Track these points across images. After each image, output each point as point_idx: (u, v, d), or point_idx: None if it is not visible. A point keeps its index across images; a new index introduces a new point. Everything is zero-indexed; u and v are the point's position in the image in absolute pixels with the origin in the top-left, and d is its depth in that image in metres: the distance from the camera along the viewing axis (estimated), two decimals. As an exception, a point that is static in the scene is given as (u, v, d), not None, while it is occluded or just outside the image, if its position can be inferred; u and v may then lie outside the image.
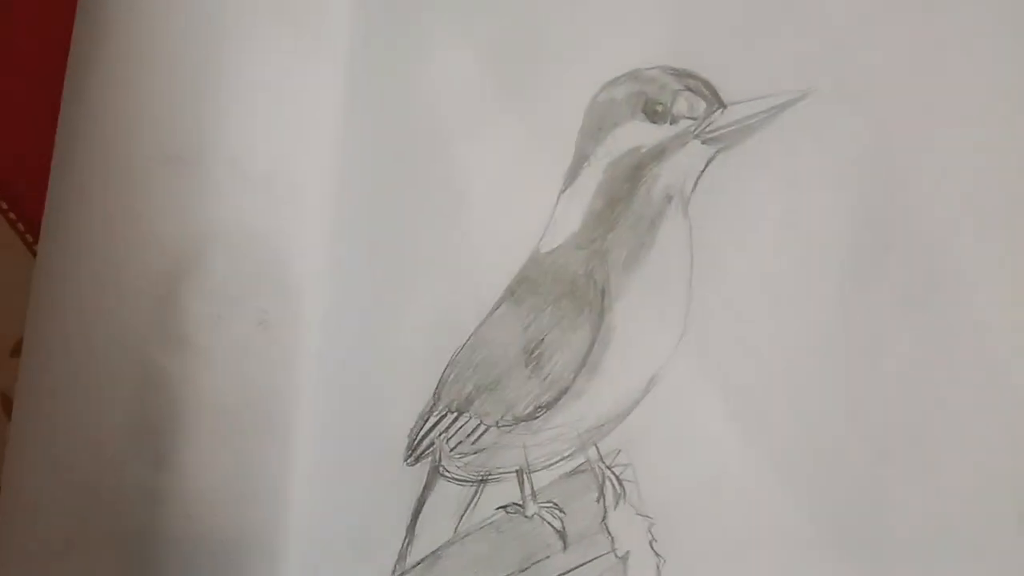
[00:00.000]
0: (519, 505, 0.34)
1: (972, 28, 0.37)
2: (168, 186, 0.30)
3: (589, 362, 0.34)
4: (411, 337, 0.34)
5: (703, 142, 0.35)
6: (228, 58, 0.32)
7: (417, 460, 0.34)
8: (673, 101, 0.35)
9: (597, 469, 0.34)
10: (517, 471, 0.34)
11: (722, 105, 0.35)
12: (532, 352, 0.34)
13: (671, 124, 0.35)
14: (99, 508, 0.29)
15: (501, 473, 0.34)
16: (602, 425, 0.34)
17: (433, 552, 0.33)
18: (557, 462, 0.34)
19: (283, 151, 0.32)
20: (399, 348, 0.34)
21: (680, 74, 0.36)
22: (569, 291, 0.34)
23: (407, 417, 0.34)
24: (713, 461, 0.34)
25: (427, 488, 0.34)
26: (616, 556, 0.33)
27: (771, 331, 0.35)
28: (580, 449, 0.34)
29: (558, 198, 0.35)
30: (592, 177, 0.35)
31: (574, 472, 0.34)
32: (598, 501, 0.34)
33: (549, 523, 0.33)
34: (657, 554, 0.33)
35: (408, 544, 0.33)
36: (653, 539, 0.33)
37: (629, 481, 0.34)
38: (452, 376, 0.34)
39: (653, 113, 0.35)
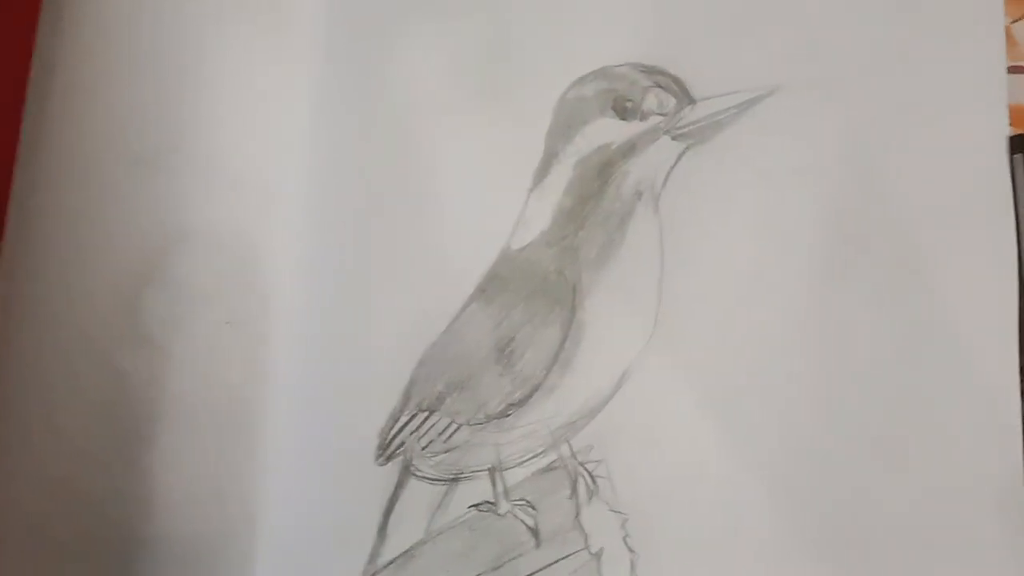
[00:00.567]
0: (491, 503, 0.34)
1: (941, 22, 0.37)
2: (135, 187, 0.30)
3: (561, 359, 0.34)
4: (382, 336, 0.34)
5: (673, 138, 0.35)
6: (196, 60, 0.32)
7: (388, 459, 0.34)
8: (643, 98, 0.35)
9: (570, 466, 0.34)
10: (489, 469, 0.34)
11: (692, 101, 0.35)
12: (503, 349, 0.34)
13: (641, 121, 0.35)
14: (69, 509, 0.29)
15: (473, 471, 0.34)
16: (574, 422, 0.34)
17: (405, 551, 0.33)
18: (529, 459, 0.34)
19: (252, 152, 0.32)
20: (370, 347, 0.34)
21: (650, 71, 0.36)
22: (540, 288, 0.34)
23: (378, 416, 0.34)
24: (686, 456, 0.34)
25: (399, 487, 0.33)
26: (590, 553, 0.33)
27: (743, 326, 0.35)
28: (552, 446, 0.34)
29: (528, 196, 0.35)
30: (562, 175, 0.35)
31: (547, 469, 0.34)
32: (571, 498, 0.34)
33: (522, 520, 0.33)
34: (631, 550, 0.33)
35: (380, 544, 0.33)
36: (627, 535, 0.33)
37: (602, 477, 0.34)
38: (423, 375, 0.34)
39: (623, 110, 0.35)
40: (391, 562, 0.33)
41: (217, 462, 0.30)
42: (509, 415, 0.34)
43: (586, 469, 0.34)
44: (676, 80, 0.36)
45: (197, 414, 0.29)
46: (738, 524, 0.34)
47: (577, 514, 0.34)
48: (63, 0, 0.33)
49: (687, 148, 0.35)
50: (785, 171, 0.36)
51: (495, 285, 0.34)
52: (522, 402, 0.34)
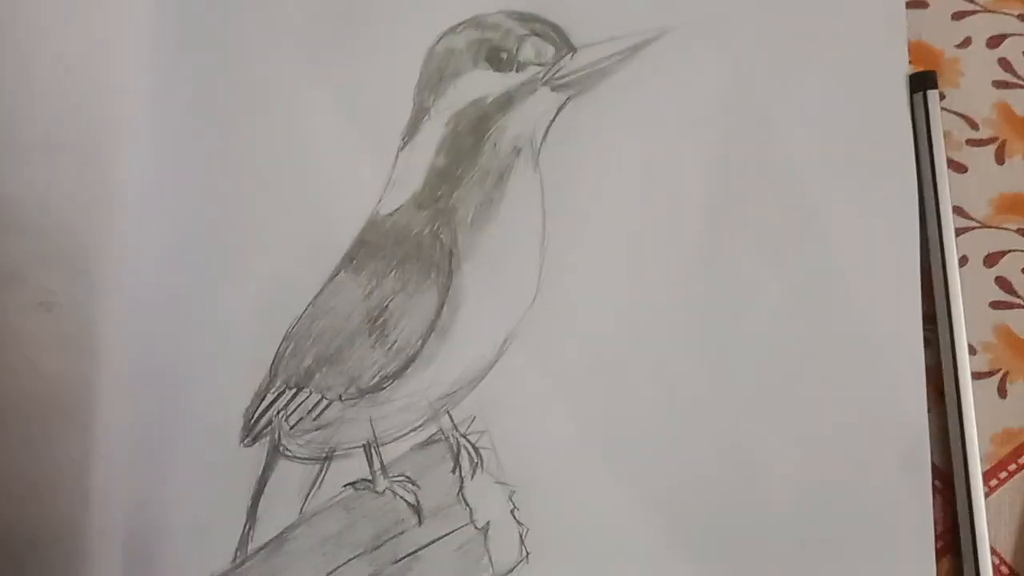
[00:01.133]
0: (368, 481, 0.33)
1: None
2: None
3: (438, 327, 0.33)
4: (239, 311, 0.33)
5: (552, 89, 0.34)
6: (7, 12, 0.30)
7: (255, 440, 0.33)
8: (518, 47, 0.34)
9: (451, 438, 0.33)
10: (364, 445, 0.33)
11: (572, 49, 0.34)
12: (376, 320, 0.33)
13: (517, 72, 0.34)
14: None
15: (347, 448, 0.33)
16: (454, 392, 0.33)
17: (278, 535, 0.32)
18: (408, 433, 0.33)
19: (70, 118, 0.30)
20: (227, 324, 0.33)
21: (525, 18, 0.35)
22: (414, 254, 0.33)
23: (241, 396, 0.33)
24: (573, 424, 0.33)
25: (267, 469, 0.33)
26: (476, 528, 0.33)
27: (630, 286, 0.34)
28: (432, 418, 0.33)
29: (397, 155, 0.34)
30: (433, 132, 0.34)
31: (427, 442, 0.33)
32: (454, 471, 0.33)
33: (402, 497, 0.33)
34: (519, 523, 0.33)
35: (250, 529, 0.32)
36: (515, 508, 0.33)
37: (486, 448, 0.33)
38: (289, 350, 0.33)
39: (497, 61, 0.34)
40: (263, 547, 0.32)
41: (43, 453, 0.29)
42: (384, 388, 0.33)
43: (469, 441, 0.33)
44: (554, 27, 0.34)
45: (12, 403, 0.28)
46: (628, 490, 0.33)
47: (461, 488, 0.33)
48: None
49: (568, 99, 0.34)
50: (672, 120, 0.35)
51: (364, 252, 0.33)
52: (397, 374, 0.33)
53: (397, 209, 0.33)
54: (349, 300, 0.33)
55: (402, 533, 0.33)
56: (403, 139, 0.34)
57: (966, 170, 0.36)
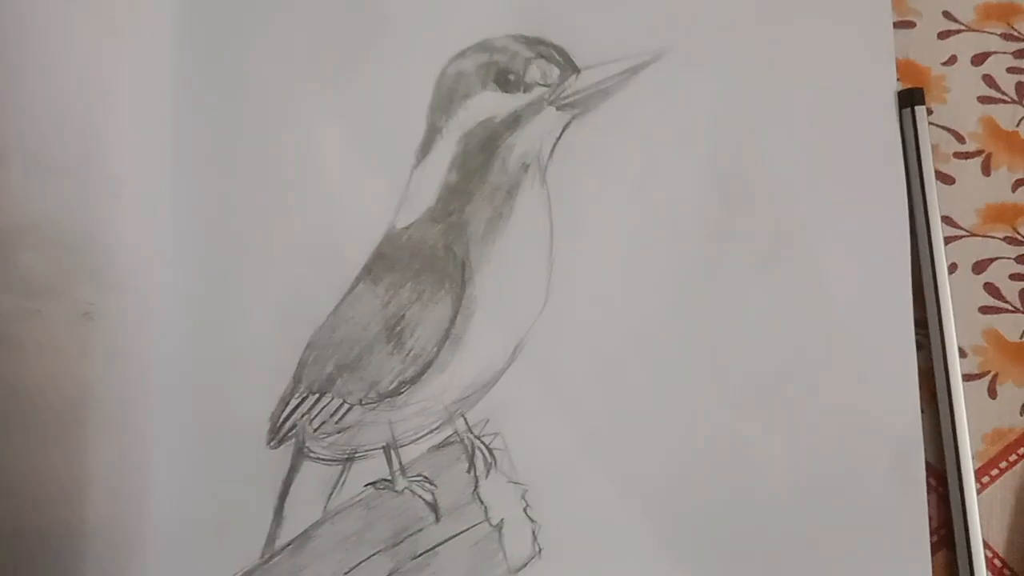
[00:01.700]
0: (388, 481, 0.34)
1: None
2: None
3: (452, 335, 0.34)
4: (264, 322, 0.34)
5: (558, 108, 0.35)
6: (28, 52, 0.31)
7: (280, 443, 0.34)
8: (525, 69, 0.35)
9: (466, 440, 0.34)
10: (384, 447, 0.34)
11: (576, 70, 0.36)
12: (393, 328, 0.34)
13: (524, 92, 0.35)
14: None
15: (368, 450, 0.34)
16: (468, 396, 0.34)
17: (303, 533, 0.33)
18: (425, 435, 0.34)
19: (97, 143, 0.32)
20: (253, 334, 0.34)
21: (531, 42, 0.36)
22: (428, 265, 0.34)
23: (267, 401, 0.34)
24: (581, 425, 0.34)
25: (292, 470, 0.34)
26: (490, 525, 0.34)
27: (633, 293, 0.35)
28: (447, 421, 0.34)
29: (411, 173, 0.35)
30: (446, 150, 0.35)
31: (443, 444, 0.34)
32: (469, 472, 0.34)
33: (420, 496, 0.34)
34: (532, 520, 0.34)
35: (276, 527, 0.33)
36: (527, 505, 0.34)
37: (499, 449, 0.34)
38: (312, 357, 0.34)
39: (505, 82, 0.35)
40: (288, 544, 0.33)
41: (81, 456, 0.30)
42: (402, 393, 0.34)
43: (483, 442, 0.34)
44: (559, 50, 0.36)
45: (53, 409, 0.30)
46: (631, 489, 0.34)
47: (476, 487, 0.34)
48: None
49: (572, 118, 0.36)
50: (670, 136, 0.36)
51: (381, 264, 0.35)
52: (414, 379, 0.34)
53: (412, 223, 0.35)
54: (368, 310, 0.34)
55: (420, 530, 0.34)
56: (417, 157, 0.35)
57: (954, 181, 0.37)
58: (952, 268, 0.36)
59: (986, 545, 0.34)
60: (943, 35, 0.38)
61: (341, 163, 0.35)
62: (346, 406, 0.34)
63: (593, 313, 0.35)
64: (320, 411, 0.34)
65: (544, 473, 0.34)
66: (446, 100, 0.35)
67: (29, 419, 0.29)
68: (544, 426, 0.34)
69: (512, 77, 0.35)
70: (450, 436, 0.34)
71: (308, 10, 0.36)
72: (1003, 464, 0.35)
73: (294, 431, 0.34)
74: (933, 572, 0.34)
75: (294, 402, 0.34)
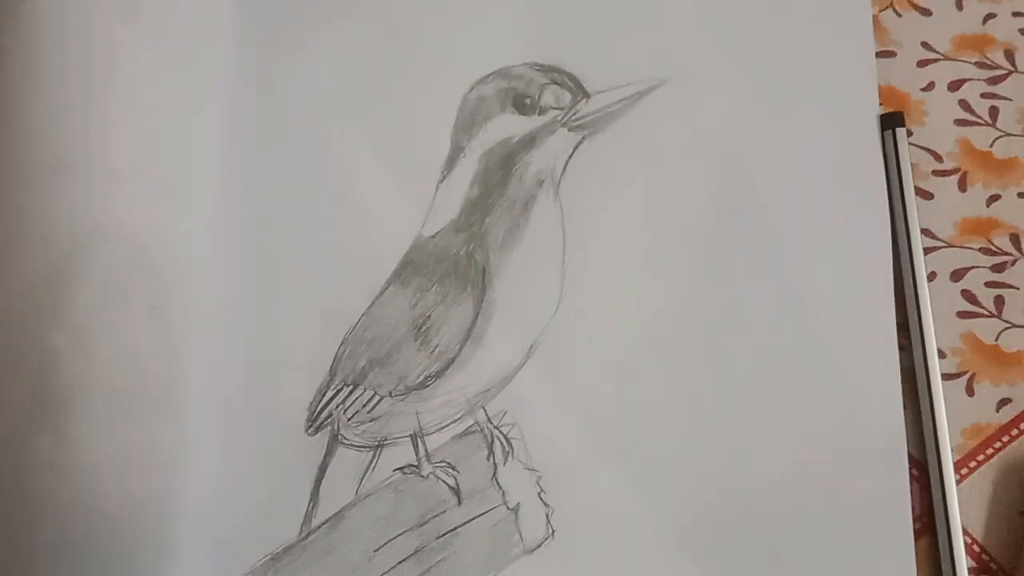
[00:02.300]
0: (415, 466, 0.36)
1: (814, 14, 0.40)
2: (53, 193, 0.32)
3: (473, 334, 0.36)
4: (305, 320, 0.36)
5: (570, 129, 0.38)
6: (105, 73, 0.34)
7: (317, 430, 0.36)
8: (540, 94, 0.38)
9: (486, 430, 0.36)
10: (411, 435, 0.36)
11: (586, 95, 0.38)
12: (420, 327, 0.36)
13: (539, 115, 0.38)
14: (8, 477, 0.31)
15: (396, 438, 0.36)
16: (488, 390, 0.36)
17: (336, 513, 0.35)
18: (448, 425, 0.36)
19: (164, 156, 0.34)
20: (294, 330, 0.36)
21: (546, 69, 0.38)
22: (452, 271, 0.37)
23: (306, 392, 0.36)
24: (592, 417, 0.36)
25: (328, 455, 0.36)
26: (507, 508, 0.36)
27: (640, 298, 0.37)
28: (469, 412, 0.36)
29: (437, 187, 0.38)
30: (468, 167, 0.38)
31: (465, 433, 0.36)
32: (488, 459, 0.36)
33: (444, 481, 0.36)
34: (546, 504, 0.36)
35: (313, 507, 0.35)
36: (542, 491, 0.36)
37: (516, 439, 0.36)
38: (346, 353, 0.36)
39: (522, 106, 0.38)
40: (324, 523, 0.35)
41: (142, 436, 0.32)
42: (428, 386, 0.36)
43: (501, 432, 0.36)
44: (571, 76, 0.38)
45: (122, 393, 0.31)
46: (640, 475, 0.36)
47: (494, 473, 0.36)
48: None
49: (583, 138, 0.38)
50: (673, 156, 0.38)
51: (410, 270, 0.37)
52: (439, 374, 0.36)
53: (438, 232, 0.37)
54: (397, 311, 0.36)
55: (444, 512, 0.35)
56: (442, 173, 0.38)
57: (932, 197, 0.39)
58: (931, 276, 0.38)
59: (965, 532, 0.36)
60: (922, 63, 0.40)
61: (374, 179, 0.38)
62: (377, 397, 0.36)
63: (602, 315, 0.37)
64: (353, 402, 0.36)
65: (557, 461, 0.36)
66: (468, 122, 0.38)
67: (103, 404, 0.31)
68: (557, 418, 0.36)
69: (528, 101, 0.38)
70: (471, 426, 0.36)
71: (345, 42, 0.39)
72: (980, 457, 0.37)
73: (330, 420, 0.36)
74: (916, 556, 0.35)
75: (330, 393, 0.36)
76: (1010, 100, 0.40)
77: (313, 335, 0.36)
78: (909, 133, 0.39)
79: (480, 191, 0.37)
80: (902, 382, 0.36)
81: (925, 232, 0.38)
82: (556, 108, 0.38)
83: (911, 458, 0.36)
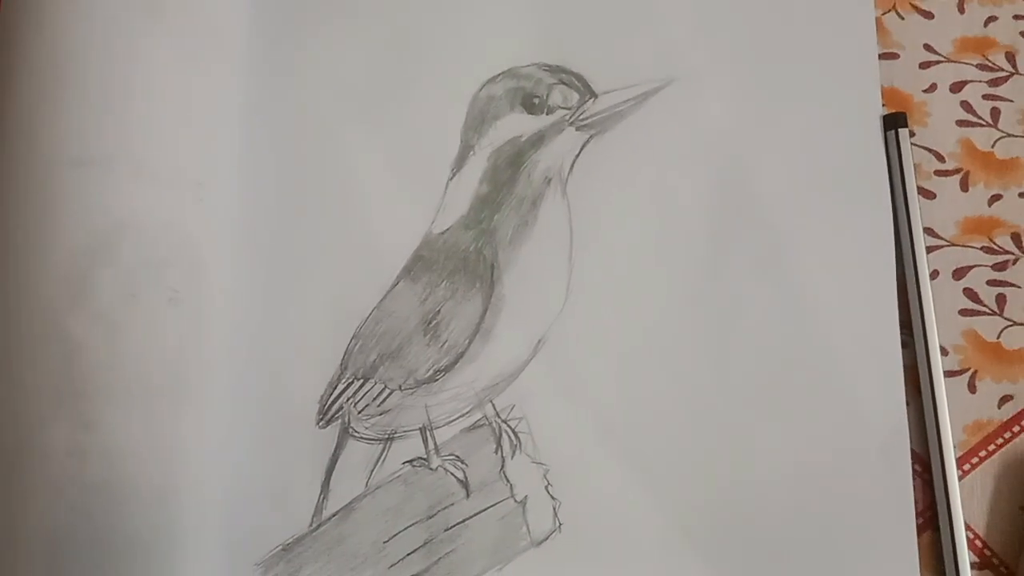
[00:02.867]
0: (424, 459, 0.36)
1: (818, 16, 0.40)
2: (76, 186, 0.33)
3: (482, 329, 0.37)
4: (317, 313, 0.37)
5: (577, 129, 0.39)
6: (129, 69, 0.35)
7: (328, 423, 0.37)
8: (548, 94, 0.39)
9: (494, 423, 0.37)
10: (420, 428, 0.37)
11: (593, 95, 0.39)
12: (430, 322, 0.37)
13: (547, 114, 0.38)
14: (30, 461, 0.32)
15: (406, 431, 0.37)
16: (496, 384, 0.37)
17: (346, 505, 0.36)
18: (457, 419, 0.37)
19: (184, 150, 0.35)
20: (306, 324, 0.37)
21: (554, 69, 0.39)
22: (461, 267, 0.37)
23: (317, 385, 0.37)
24: (598, 411, 0.37)
25: (338, 447, 0.36)
26: (515, 501, 0.36)
27: (646, 294, 0.38)
28: (477, 406, 0.37)
29: (447, 185, 0.38)
30: (477, 165, 0.38)
31: (473, 427, 0.37)
32: (496, 452, 0.37)
33: (452, 474, 0.36)
34: (553, 497, 0.36)
35: (323, 499, 0.36)
36: (549, 484, 0.36)
37: (524, 433, 0.37)
38: (357, 347, 0.37)
39: (531, 105, 0.38)
40: (334, 515, 0.36)
41: (163, 422, 0.32)
42: (437, 380, 0.37)
43: (509, 426, 0.37)
44: (578, 76, 0.39)
45: (144, 381, 0.32)
46: (645, 469, 0.36)
47: (502, 467, 0.36)
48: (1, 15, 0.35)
49: (590, 137, 0.39)
50: (678, 155, 0.39)
51: (420, 265, 0.37)
52: (448, 368, 0.37)
53: (447, 229, 0.38)
54: (407, 305, 0.37)
55: (452, 504, 0.36)
56: (452, 171, 0.38)
57: (935, 196, 0.39)
58: (934, 274, 0.38)
59: (968, 527, 0.36)
60: (924, 65, 0.41)
61: (386, 176, 0.38)
62: (387, 391, 0.36)
63: (608, 312, 0.37)
64: (364, 395, 0.36)
65: (564, 455, 0.36)
66: (478, 121, 0.39)
67: (124, 393, 0.32)
68: (564, 413, 0.37)
69: (537, 101, 0.38)
70: (480, 420, 0.37)
71: (359, 43, 0.39)
72: (982, 453, 0.37)
73: (340, 413, 0.36)
74: (919, 551, 0.35)
75: (341, 387, 0.37)
76: (1011, 101, 0.40)
77: (324, 329, 0.37)
78: (912, 134, 0.39)
79: (489, 188, 0.38)
80: (905, 379, 0.37)
81: (927, 231, 0.39)
82: (564, 108, 0.38)
83: (914, 454, 0.36)
